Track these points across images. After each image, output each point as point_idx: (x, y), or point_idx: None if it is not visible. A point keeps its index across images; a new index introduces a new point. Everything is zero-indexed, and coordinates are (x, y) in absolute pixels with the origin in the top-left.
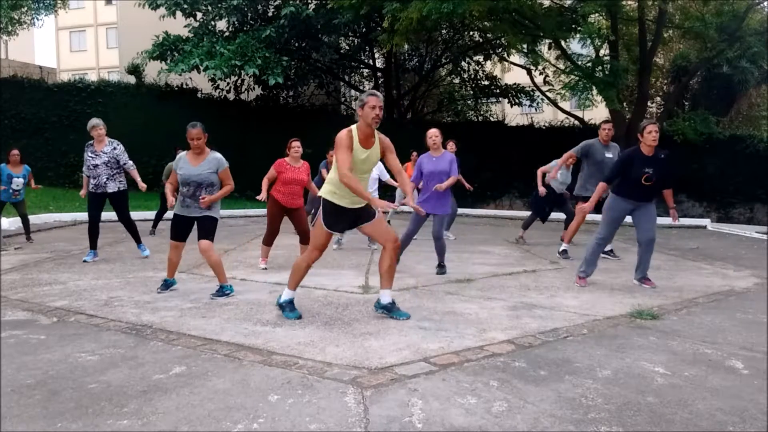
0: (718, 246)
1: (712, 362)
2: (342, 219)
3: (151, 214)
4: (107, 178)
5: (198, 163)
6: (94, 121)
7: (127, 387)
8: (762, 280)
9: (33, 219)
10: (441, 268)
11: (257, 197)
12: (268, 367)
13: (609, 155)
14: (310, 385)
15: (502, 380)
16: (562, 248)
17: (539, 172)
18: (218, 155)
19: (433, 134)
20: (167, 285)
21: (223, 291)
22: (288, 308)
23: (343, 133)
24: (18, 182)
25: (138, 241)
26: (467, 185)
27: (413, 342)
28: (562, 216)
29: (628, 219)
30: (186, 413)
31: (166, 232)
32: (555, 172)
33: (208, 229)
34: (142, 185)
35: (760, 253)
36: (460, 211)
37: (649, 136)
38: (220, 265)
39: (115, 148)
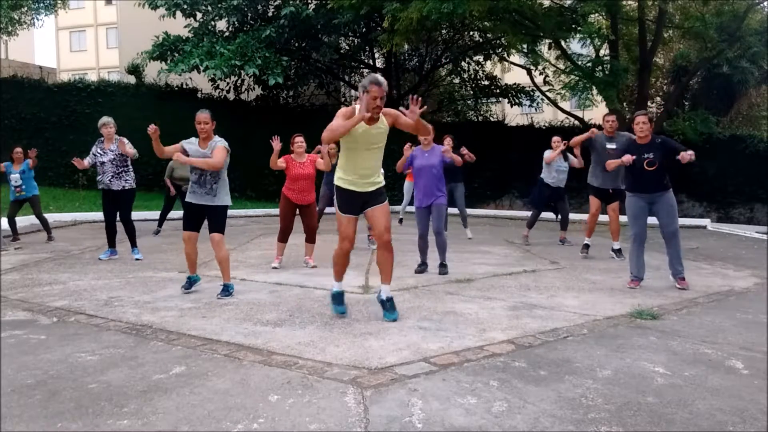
0: (718, 246)
1: (712, 362)
2: (353, 203)
3: (151, 214)
4: (112, 176)
5: (203, 148)
6: (104, 119)
7: (127, 387)
8: (762, 280)
9: (32, 219)
10: (443, 267)
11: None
12: (268, 367)
13: (612, 146)
14: (310, 385)
15: (502, 380)
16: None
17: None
18: (219, 138)
19: None
20: (191, 282)
21: (228, 290)
22: (335, 300)
23: (346, 108)
24: (15, 178)
25: (133, 244)
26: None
27: (413, 342)
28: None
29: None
30: (186, 413)
31: (169, 232)
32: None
33: (218, 221)
34: (131, 151)
35: (760, 253)
36: None
37: (636, 127)
38: (227, 262)
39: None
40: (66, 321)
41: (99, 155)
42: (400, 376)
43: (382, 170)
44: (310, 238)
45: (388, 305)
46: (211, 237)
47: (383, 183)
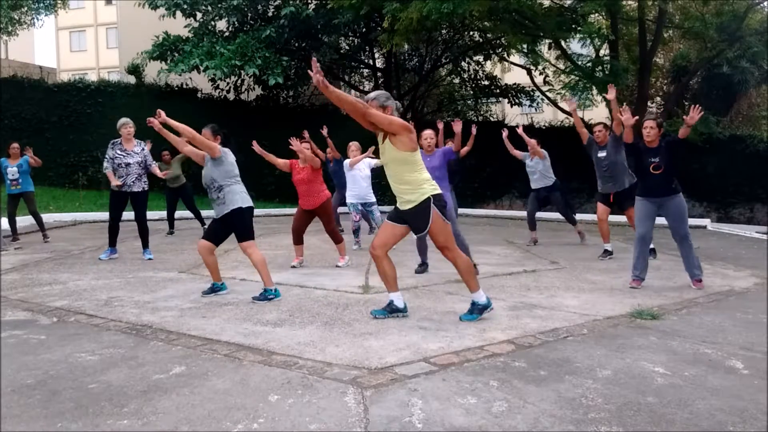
0: (718, 246)
1: (712, 362)
2: (395, 214)
3: (151, 214)
4: (136, 178)
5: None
6: (124, 119)
7: (127, 387)
8: (762, 280)
9: (32, 219)
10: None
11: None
12: (268, 367)
13: (602, 153)
14: (310, 385)
15: (502, 380)
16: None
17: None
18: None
19: (429, 135)
20: (213, 289)
21: (266, 295)
22: (387, 308)
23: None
24: (13, 171)
25: (145, 245)
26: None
27: (413, 342)
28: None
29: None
30: (186, 413)
31: (178, 232)
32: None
33: (238, 229)
34: (163, 174)
35: (760, 253)
36: (460, 211)
37: (644, 131)
38: (262, 265)
39: (143, 149)
40: (66, 321)
41: (122, 156)
42: (400, 376)
43: (418, 187)
44: (334, 239)
45: (470, 308)
46: (240, 246)
47: (417, 201)
